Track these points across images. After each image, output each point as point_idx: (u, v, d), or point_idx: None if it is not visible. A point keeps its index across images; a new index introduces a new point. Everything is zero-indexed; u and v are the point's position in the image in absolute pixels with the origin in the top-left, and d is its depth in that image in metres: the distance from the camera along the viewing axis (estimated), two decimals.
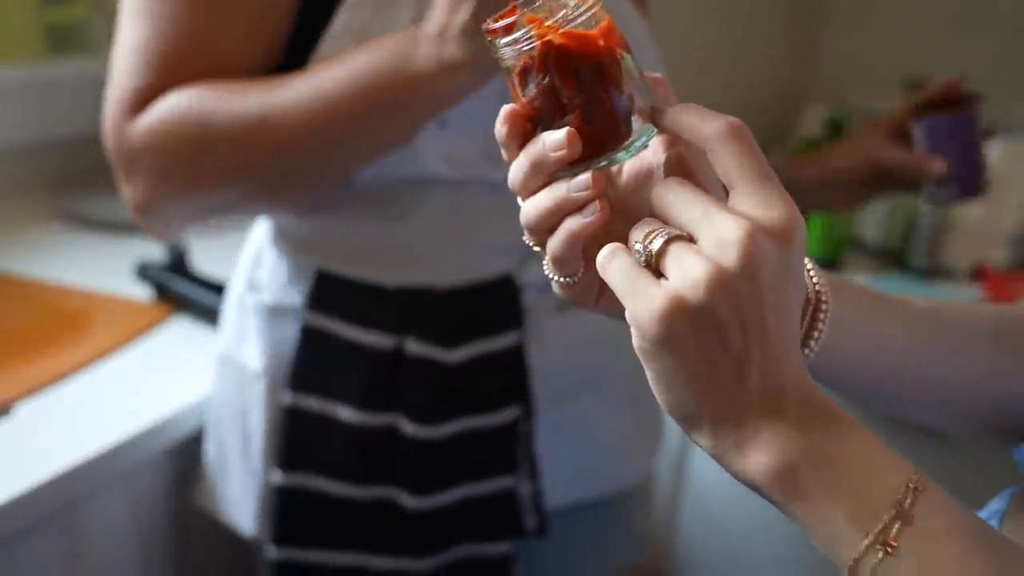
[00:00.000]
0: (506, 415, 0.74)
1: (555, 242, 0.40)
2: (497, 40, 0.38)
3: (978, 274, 1.46)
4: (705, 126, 0.36)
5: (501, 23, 0.38)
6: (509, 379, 0.74)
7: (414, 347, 0.71)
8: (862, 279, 1.44)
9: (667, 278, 0.35)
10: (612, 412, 0.81)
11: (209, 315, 0.96)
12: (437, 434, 0.72)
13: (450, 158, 0.68)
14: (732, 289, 0.33)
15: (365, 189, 0.70)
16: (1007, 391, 0.50)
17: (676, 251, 0.35)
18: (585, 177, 0.38)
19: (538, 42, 0.37)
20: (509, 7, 0.39)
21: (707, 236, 0.34)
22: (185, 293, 1.01)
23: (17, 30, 1.33)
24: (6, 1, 1.31)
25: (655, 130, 0.40)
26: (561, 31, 0.37)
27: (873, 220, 1.54)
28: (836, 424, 0.35)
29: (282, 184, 0.66)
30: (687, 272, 0.34)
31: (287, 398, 0.74)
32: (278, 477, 0.74)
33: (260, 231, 0.79)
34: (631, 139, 0.39)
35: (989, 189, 0.90)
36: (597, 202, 0.38)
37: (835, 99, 1.58)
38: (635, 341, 0.35)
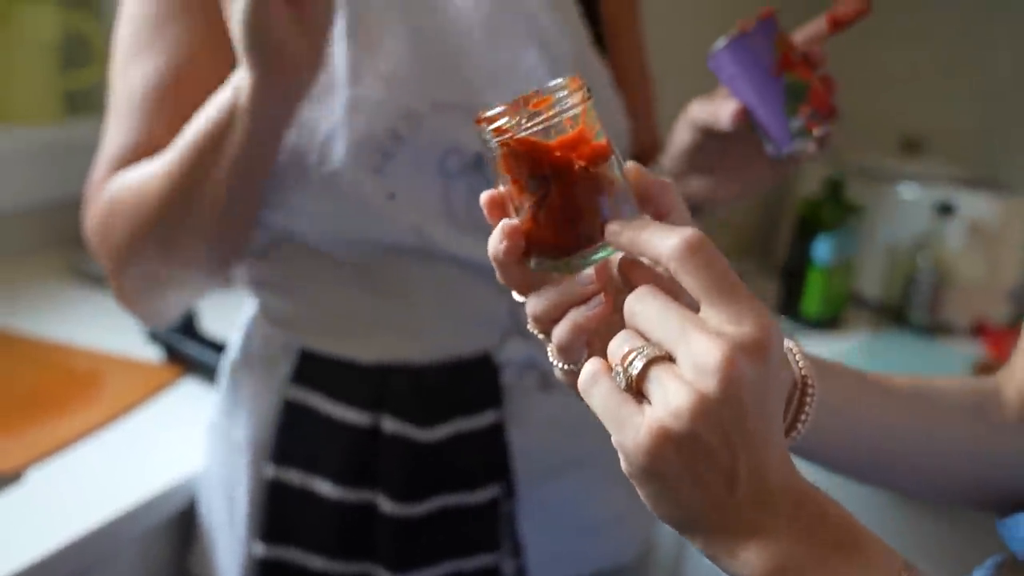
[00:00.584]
0: (486, 493, 0.74)
1: (560, 332, 0.41)
2: (480, 128, 0.41)
3: (978, 330, 1.48)
4: (662, 246, 0.36)
5: (487, 113, 0.40)
6: (489, 458, 0.74)
7: (390, 425, 0.72)
8: (863, 336, 1.46)
9: (649, 402, 0.35)
10: (602, 488, 0.80)
11: (217, 377, 0.98)
12: (415, 512, 0.72)
13: (416, 228, 0.70)
14: (715, 415, 0.33)
15: (344, 263, 0.72)
16: (988, 465, 0.52)
17: (657, 376, 0.35)
18: (589, 272, 0.40)
19: (496, 143, 0.40)
20: (491, 109, 0.41)
21: (685, 360, 0.34)
22: (194, 355, 1.02)
23: (37, 94, 1.37)
24: (28, 67, 1.35)
25: (610, 254, 0.41)
26: (516, 137, 0.39)
27: (873, 276, 1.56)
28: (825, 524, 0.35)
29: (185, 237, 0.68)
30: (669, 400, 0.34)
31: (270, 471, 0.75)
32: (260, 549, 0.75)
33: (250, 304, 0.81)
34: (595, 247, 0.40)
35: (823, 142, 0.66)
36: (601, 295, 0.40)
37: (833, 157, 1.61)
38: (623, 467, 0.36)
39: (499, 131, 0.39)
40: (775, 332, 0.35)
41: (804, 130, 0.64)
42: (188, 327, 1.05)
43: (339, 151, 0.66)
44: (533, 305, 0.42)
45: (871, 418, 0.48)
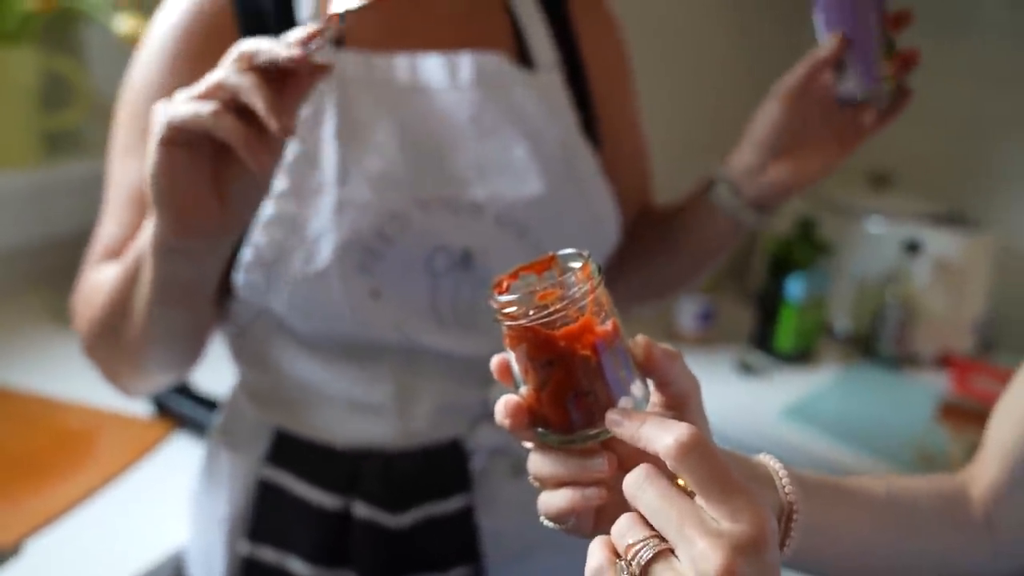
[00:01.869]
0: (456, 575, 0.76)
1: (553, 504, 0.43)
2: (490, 297, 0.42)
3: (944, 362, 1.53)
4: (659, 443, 0.39)
5: (499, 296, 0.42)
6: (458, 541, 0.75)
7: (361, 510, 0.73)
8: (834, 368, 1.51)
9: None
10: (571, 569, 0.81)
11: (207, 433, 0.99)
12: None
13: (399, 326, 0.71)
14: None
15: (322, 350, 0.73)
16: (958, 567, 0.55)
17: (660, 575, 0.37)
18: (602, 461, 0.42)
19: (504, 324, 0.41)
20: (510, 273, 0.43)
21: (687, 561, 0.36)
22: (185, 411, 1.04)
23: (16, 137, 1.37)
24: (7, 110, 1.35)
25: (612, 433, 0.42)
26: (521, 324, 0.41)
27: (844, 310, 1.61)
28: None
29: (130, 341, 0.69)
30: None
31: (245, 547, 0.76)
32: None
33: (234, 376, 0.82)
34: (596, 429, 0.42)
35: (901, 100, 0.72)
36: (603, 488, 0.42)
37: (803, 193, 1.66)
38: None
39: (505, 314, 0.41)
40: (770, 525, 0.37)
41: (889, 78, 0.69)
42: (179, 383, 1.06)
43: (326, 251, 0.67)
44: (535, 465, 0.44)
45: (851, 533, 0.51)
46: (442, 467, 0.75)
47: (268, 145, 0.51)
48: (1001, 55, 1.59)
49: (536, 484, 0.45)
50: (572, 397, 0.41)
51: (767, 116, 0.74)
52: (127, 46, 1.32)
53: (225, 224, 0.56)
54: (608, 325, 0.42)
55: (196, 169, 0.53)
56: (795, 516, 0.48)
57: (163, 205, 0.54)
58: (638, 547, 0.38)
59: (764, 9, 1.69)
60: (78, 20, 1.47)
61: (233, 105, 0.50)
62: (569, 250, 0.44)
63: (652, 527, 0.38)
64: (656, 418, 0.40)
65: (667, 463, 0.38)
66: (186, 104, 0.50)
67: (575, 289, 0.40)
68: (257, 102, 0.48)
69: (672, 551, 0.37)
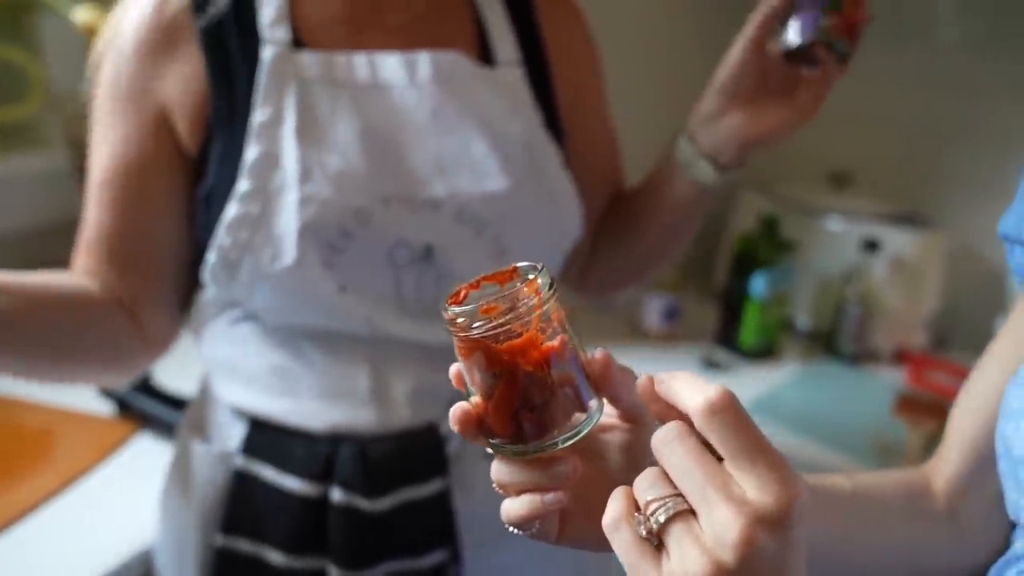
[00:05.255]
0: (433, 559, 0.76)
1: (514, 510, 0.43)
2: (443, 310, 0.42)
3: (900, 357, 1.57)
4: (689, 401, 0.37)
5: (450, 305, 0.41)
6: (435, 524, 0.76)
7: (338, 495, 0.73)
8: (796, 365, 1.54)
9: (668, 556, 0.36)
10: (548, 553, 0.83)
11: (173, 432, 0.98)
12: None
13: (369, 319, 0.72)
14: None
15: (295, 341, 0.74)
16: (926, 559, 0.57)
17: (677, 536, 0.35)
18: (565, 469, 0.41)
19: (454, 335, 0.41)
20: (471, 283, 0.43)
21: (706, 524, 0.35)
22: (148, 410, 1.02)
23: None
24: None
25: (561, 446, 0.42)
26: (466, 335, 0.40)
27: (805, 307, 1.64)
28: None
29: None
30: (687, 566, 0.34)
31: (219, 539, 0.76)
32: None
33: (202, 370, 0.82)
34: (544, 440, 0.41)
35: (843, 60, 0.72)
36: (561, 494, 0.42)
37: (765, 188, 1.69)
38: None
39: (453, 324, 0.40)
40: (799, 500, 0.35)
41: (827, 32, 0.70)
42: (142, 381, 1.04)
43: (290, 248, 0.68)
44: (497, 472, 0.43)
45: (822, 532, 0.52)
46: (418, 451, 0.75)
47: None
48: (952, 63, 1.63)
49: (499, 491, 0.44)
50: (519, 410, 0.41)
51: (727, 62, 0.75)
52: (84, 37, 1.29)
53: None
54: (556, 341, 0.41)
55: None
56: None
57: None
58: (657, 505, 0.36)
59: (727, 9, 1.72)
60: (33, 10, 1.43)
61: None
62: (527, 263, 0.43)
63: (675, 486, 0.36)
64: (690, 376, 0.38)
65: (695, 423, 0.36)
66: None
67: (520, 303, 0.40)
68: None
69: (693, 513, 0.35)
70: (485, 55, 0.78)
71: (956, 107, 1.65)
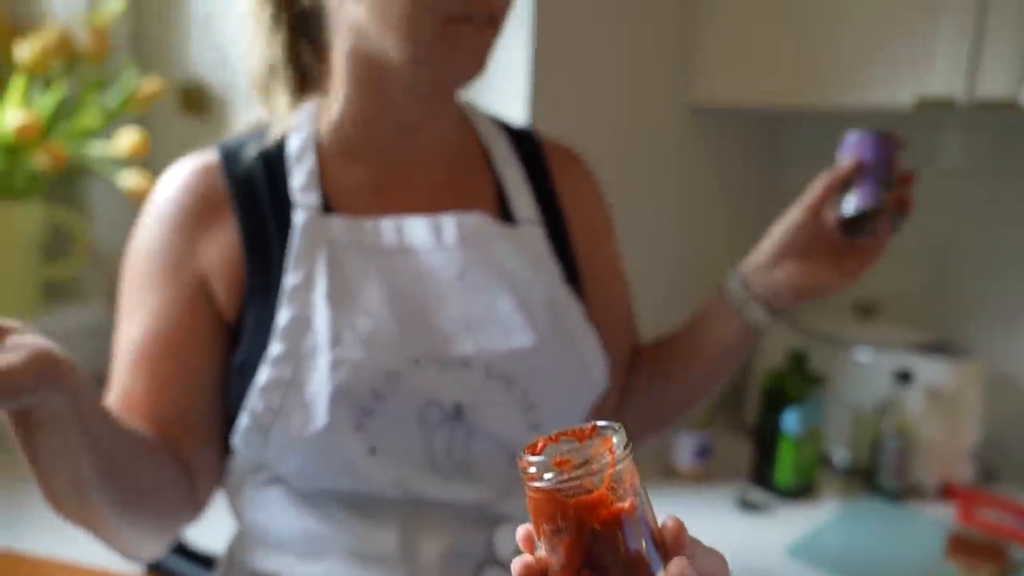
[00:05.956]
0: None
1: None
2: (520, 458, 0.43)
3: (947, 492, 1.51)
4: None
5: (528, 455, 0.42)
6: None
7: None
8: (836, 503, 1.49)
9: None
10: None
11: None
12: None
13: (400, 481, 0.71)
14: None
15: (323, 504, 0.73)
16: None
17: None
18: None
19: (526, 484, 0.41)
20: (549, 436, 0.43)
21: None
22: (178, 570, 1.00)
23: (16, 286, 1.39)
24: (10, 261, 1.37)
25: None
26: (534, 485, 0.40)
27: (841, 441, 1.60)
28: None
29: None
30: None
31: None
32: None
33: (233, 536, 0.81)
34: None
35: (898, 221, 0.82)
36: None
37: (790, 321, 1.69)
38: None
39: (525, 472, 0.41)
40: None
41: (886, 204, 0.79)
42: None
43: (322, 412, 0.68)
44: None
45: None
46: None
47: None
48: (970, 189, 1.66)
49: None
50: (582, 568, 0.41)
51: (786, 218, 0.81)
52: (130, 200, 1.36)
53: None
54: (626, 503, 0.41)
55: None
56: None
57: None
58: None
59: (740, 163, 1.78)
60: (83, 175, 1.52)
61: None
62: (607, 423, 0.43)
63: None
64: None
65: None
66: None
67: (593, 459, 0.40)
68: None
69: None
70: (504, 213, 0.81)
71: (976, 233, 1.66)
